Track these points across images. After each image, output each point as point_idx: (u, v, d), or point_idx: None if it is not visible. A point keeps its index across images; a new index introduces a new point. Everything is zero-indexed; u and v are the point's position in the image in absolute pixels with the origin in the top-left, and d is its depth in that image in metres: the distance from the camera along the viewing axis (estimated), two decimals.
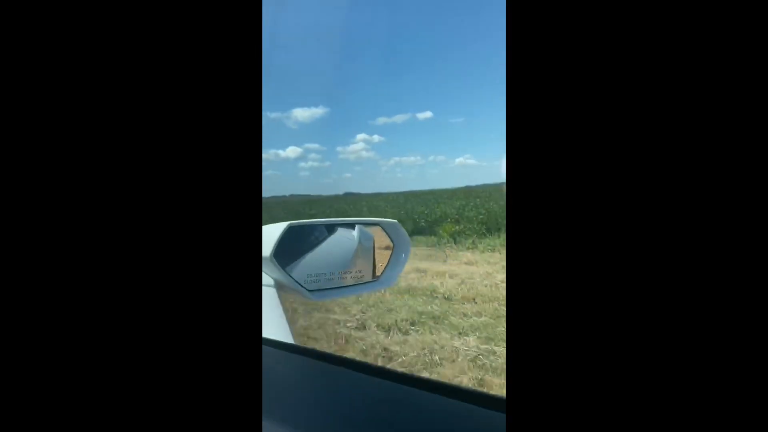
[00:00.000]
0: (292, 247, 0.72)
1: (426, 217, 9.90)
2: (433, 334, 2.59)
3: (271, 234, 0.69)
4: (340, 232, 0.79)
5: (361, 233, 0.79)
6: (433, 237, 7.97)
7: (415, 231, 8.96)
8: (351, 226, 0.81)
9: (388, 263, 0.80)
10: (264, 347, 0.49)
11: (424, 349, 2.36)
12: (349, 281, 0.76)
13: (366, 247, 0.79)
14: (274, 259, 0.68)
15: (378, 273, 0.80)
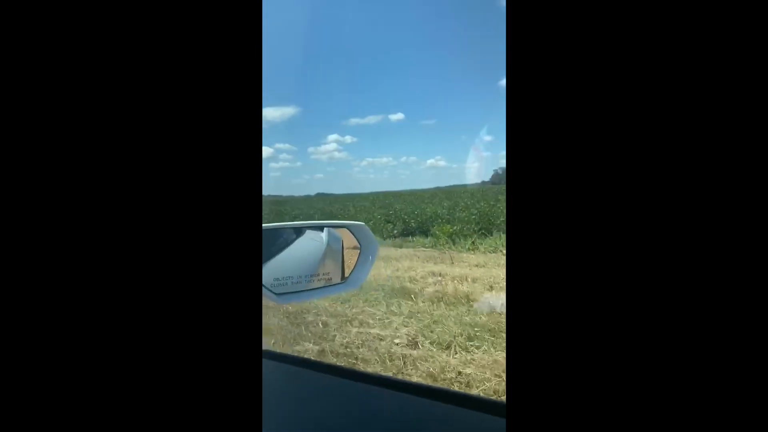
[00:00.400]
0: None
1: (416, 217, 9.64)
2: (499, 351, 2.27)
3: None
4: (308, 235, 0.78)
5: (330, 235, 0.78)
6: (426, 238, 7.70)
7: (406, 232, 8.68)
8: (319, 228, 0.79)
9: (355, 265, 0.78)
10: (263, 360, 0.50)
11: (504, 371, 2.03)
12: (316, 284, 0.74)
13: (334, 249, 0.78)
14: None
15: (346, 275, 0.78)
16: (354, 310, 3.12)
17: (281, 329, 2.71)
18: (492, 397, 1.84)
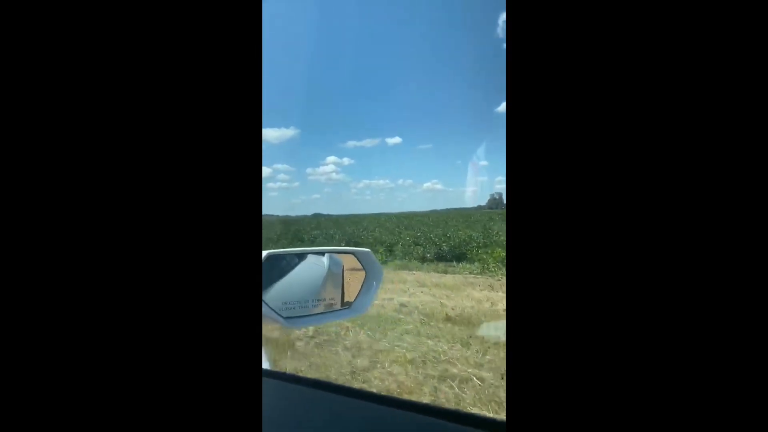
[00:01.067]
0: (267, 275, 0.69)
1: (447, 240, 8.99)
2: None
3: None
4: (311, 259, 0.77)
5: (331, 260, 0.77)
6: (472, 263, 7.02)
7: (439, 256, 7.98)
8: (323, 254, 0.79)
9: (360, 291, 0.76)
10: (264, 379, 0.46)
11: None
12: (321, 309, 0.73)
13: (335, 274, 0.77)
14: None
15: (347, 300, 0.76)
16: (488, 357, 2.40)
17: (409, 380, 1.97)
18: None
